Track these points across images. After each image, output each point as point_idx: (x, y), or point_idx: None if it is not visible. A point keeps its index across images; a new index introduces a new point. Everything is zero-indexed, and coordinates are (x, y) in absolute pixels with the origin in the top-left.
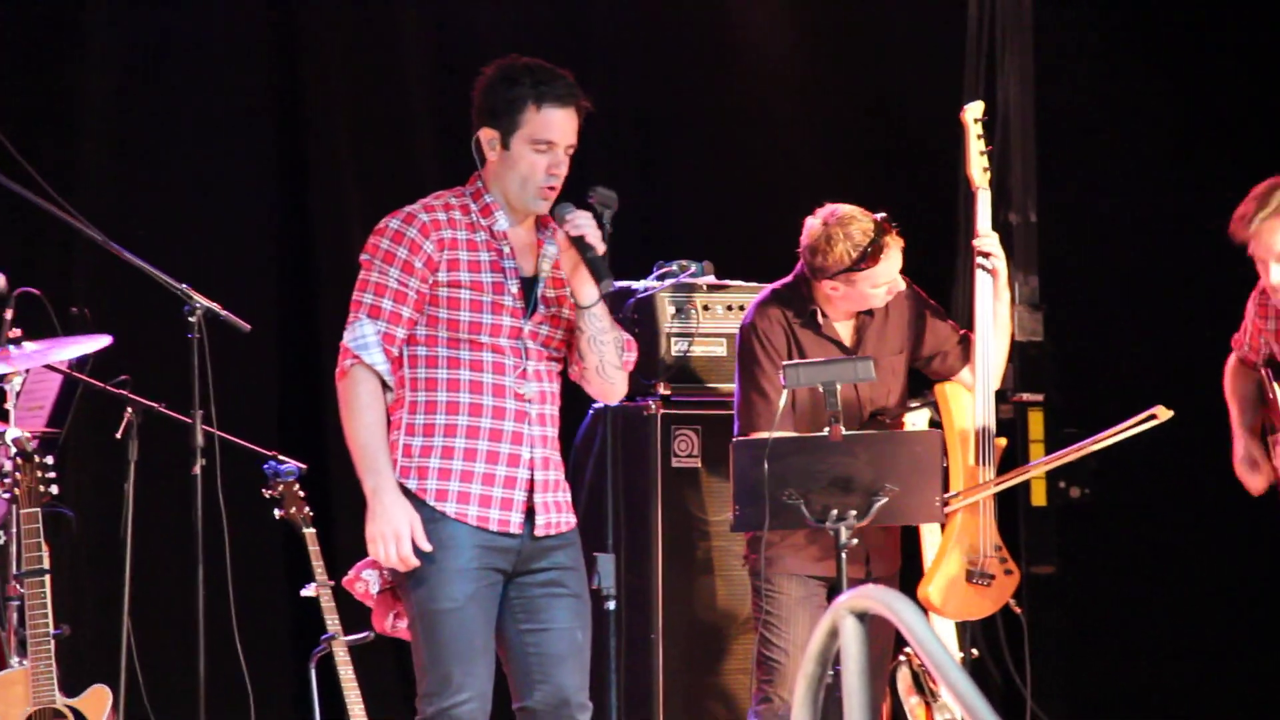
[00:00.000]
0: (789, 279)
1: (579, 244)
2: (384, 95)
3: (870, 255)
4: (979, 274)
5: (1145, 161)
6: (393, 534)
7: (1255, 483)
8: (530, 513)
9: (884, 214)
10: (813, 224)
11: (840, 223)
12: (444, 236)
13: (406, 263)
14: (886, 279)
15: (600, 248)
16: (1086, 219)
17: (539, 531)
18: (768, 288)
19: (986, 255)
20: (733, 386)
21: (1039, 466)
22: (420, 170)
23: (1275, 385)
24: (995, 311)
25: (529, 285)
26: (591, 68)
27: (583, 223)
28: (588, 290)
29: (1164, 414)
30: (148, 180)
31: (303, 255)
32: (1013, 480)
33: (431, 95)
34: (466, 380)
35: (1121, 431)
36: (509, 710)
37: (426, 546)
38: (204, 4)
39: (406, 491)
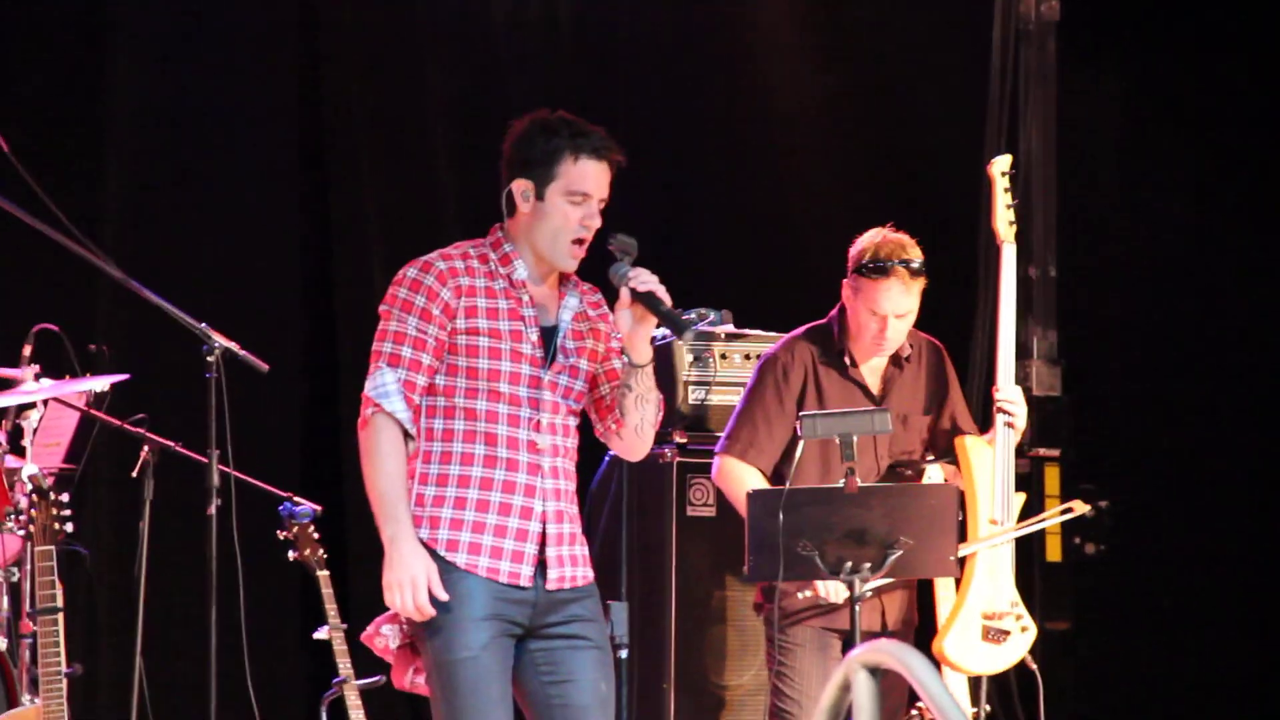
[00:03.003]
0: (823, 320)
1: (648, 300)
2: (408, 146)
3: (875, 268)
4: (1000, 426)
5: (1164, 215)
6: (409, 582)
7: None
8: (543, 566)
9: (922, 259)
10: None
11: (886, 234)
12: (461, 284)
13: (425, 310)
14: (884, 309)
15: (668, 300)
16: (1106, 273)
17: (551, 585)
18: (803, 327)
19: (1010, 410)
20: None
21: (1007, 534)
22: (442, 218)
23: None
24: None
25: (548, 335)
26: (613, 115)
27: (648, 279)
28: (644, 349)
29: (1080, 508)
30: (170, 220)
31: (325, 298)
32: (996, 539)
33: (455, 148)
34: (482, 431)
35: (1041, 521)
36: None
37: (443, 595)
38: (228, 51)
39: (419, 541)
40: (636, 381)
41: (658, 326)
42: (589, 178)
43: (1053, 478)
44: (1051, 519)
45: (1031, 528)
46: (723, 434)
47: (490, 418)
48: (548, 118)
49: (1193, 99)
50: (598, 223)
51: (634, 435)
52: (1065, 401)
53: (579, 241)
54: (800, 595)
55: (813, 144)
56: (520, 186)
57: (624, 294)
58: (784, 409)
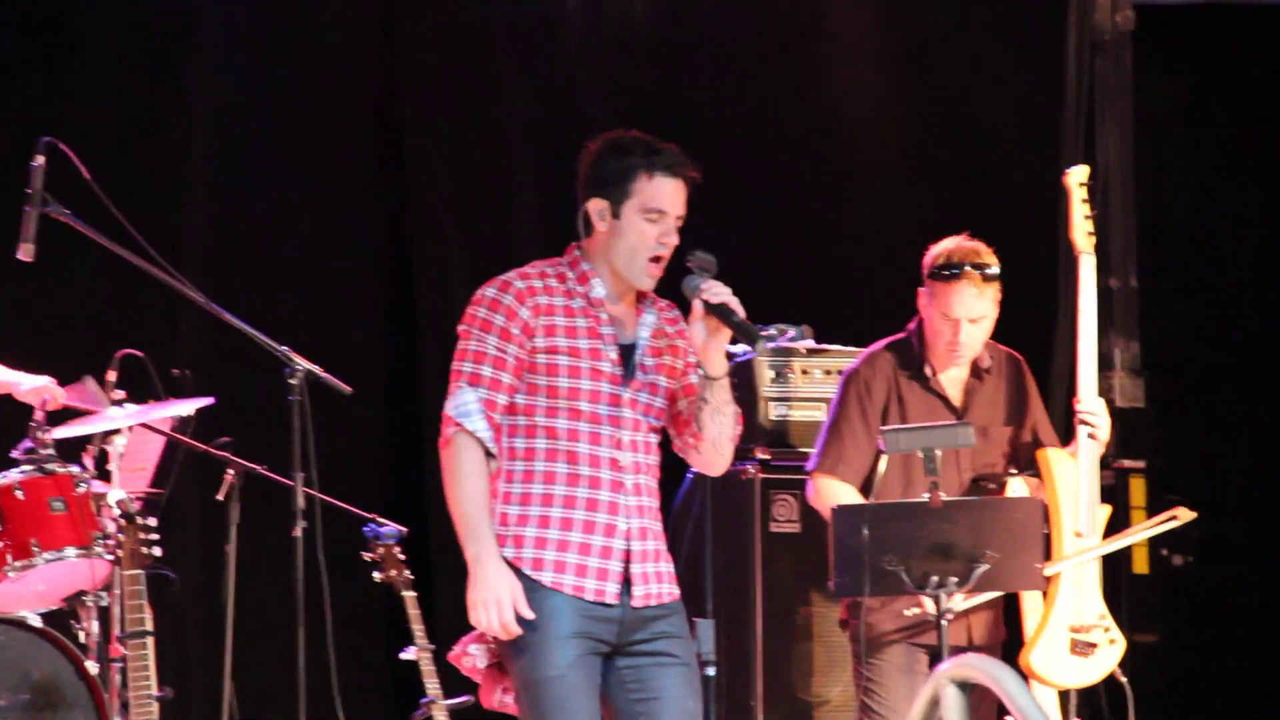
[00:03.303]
0: (902, 334)
1: (720, 311)
2: (487, 166)
3: (948, 271)
4: (1082, 438)
5: (1245, 224)
6: (494, 600)
7: None
8: (628, 583)
9: (997, 266)
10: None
11: (961, 241)
12: (540, 303)
13: (504, 329)
14: (956, 312)
15: (741, 311)
16: (1187, 283)
17: (637, 603)
18: (883, 340)
19: (1092, 422)
20: None
21: (1094, 550)
22: (522, 233)
23: None
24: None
25: (627, 352)
26: (690, 133)
27: (720, 290)
28: (719, 362)
29: (1185, 515)
30: (249, 241)
31: (405, 318)
32: (1100, 551)
33: (534, 166)
34: (564, 450)
35: (1142, 531)
36: None
37: (529, 614)
38: (306, 73)
39: (503, 560)
40: (712, 394)
41: (733, 341)
42: (664, 195)
43: (1138, 489)
44: (1155, 528)
45: (1135, 537)
46: (813, 452)
47: (571, 436)
48: (620, 137)
49: (1268, 106)
50: (675, 240)
51: (712, 449)
52: (1149, 412)
53: (656, 259)
54: (906, 612)
55: (889, 157)
56: (596, 206)
57: (696, 306)
58: (869, 424)
